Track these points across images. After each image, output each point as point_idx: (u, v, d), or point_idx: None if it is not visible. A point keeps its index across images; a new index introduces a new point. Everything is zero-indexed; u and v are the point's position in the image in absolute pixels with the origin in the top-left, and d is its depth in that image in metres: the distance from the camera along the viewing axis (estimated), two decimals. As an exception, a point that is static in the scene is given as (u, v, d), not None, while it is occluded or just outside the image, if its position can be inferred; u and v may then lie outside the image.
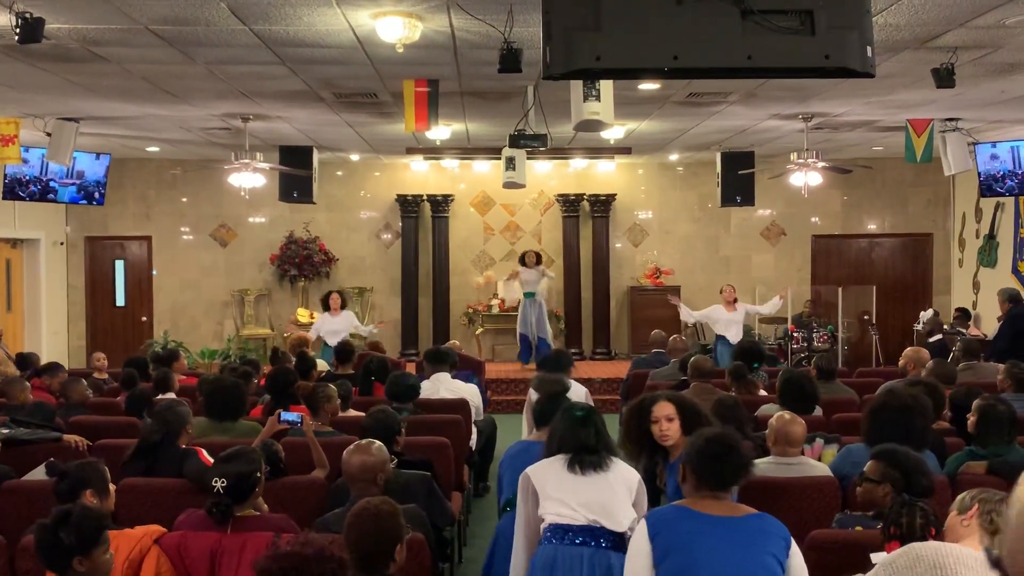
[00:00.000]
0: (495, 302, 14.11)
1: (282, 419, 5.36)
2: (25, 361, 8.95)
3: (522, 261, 12.61)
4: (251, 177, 10.61)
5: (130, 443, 5.23)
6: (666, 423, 4.14)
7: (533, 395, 6.47)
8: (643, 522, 3.10)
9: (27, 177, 10.98)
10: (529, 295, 12.49)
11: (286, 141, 11.41)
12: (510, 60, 6.16)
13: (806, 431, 4.75)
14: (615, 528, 3.60)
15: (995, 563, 1.02)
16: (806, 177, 10.54)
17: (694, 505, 3.11)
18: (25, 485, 4.70)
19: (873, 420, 4.61)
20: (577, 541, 3.59)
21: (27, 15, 5.61)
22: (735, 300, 11.50)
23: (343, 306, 11.23)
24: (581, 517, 3.62)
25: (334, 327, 10.87)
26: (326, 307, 11.20)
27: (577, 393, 6.00)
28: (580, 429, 3.79)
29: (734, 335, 10.97)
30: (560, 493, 3.67)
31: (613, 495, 3.68)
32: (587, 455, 3.72)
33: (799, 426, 4.65)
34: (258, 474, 3.75)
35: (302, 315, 13.88)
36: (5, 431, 5.48)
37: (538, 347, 12.51)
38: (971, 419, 4.88)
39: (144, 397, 6.60)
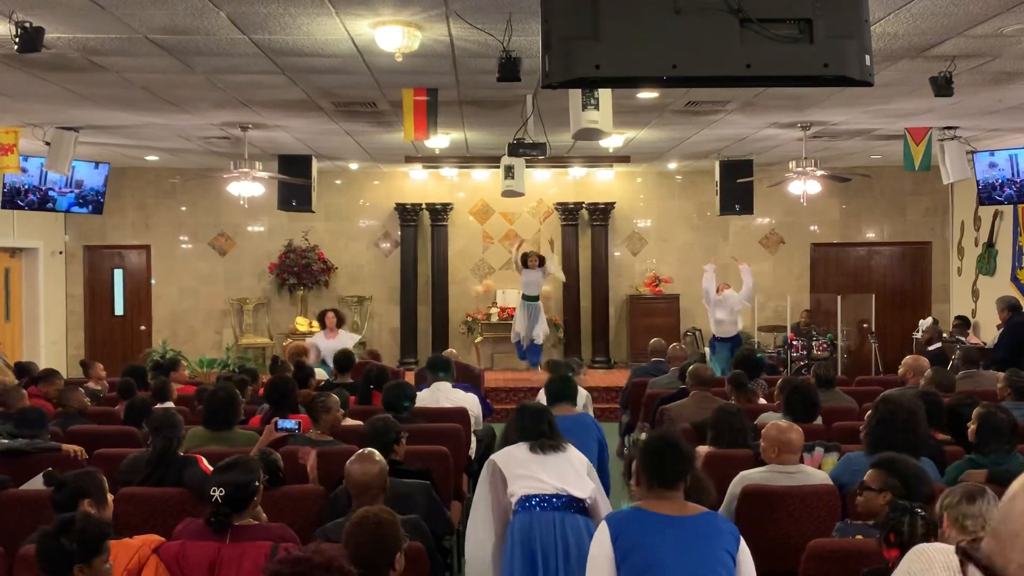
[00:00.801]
0: (494, 310, 14.11)
1: (279, 427, 5.37)
2: (23, 370, 8.93)
3: (524, 263, 12.26)
4: (250, 186, 10.61)
5: (127, 452, 5.22)
6: None
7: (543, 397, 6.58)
8: (603, 525, 3.23)
9: (26, 186, 10.99)
10: (529, 299, 12.21)
11: (285, 150, 11.41)
12: (509, 69, 6.17)
13: (803, 438, 4.75)
14: (579, 495, 4.19)
15: (978, 564, 0.96)
16: (805, 185, 10.55)
17: (649, 506, 3.25)
18: (23, 495, 4.68)
19: (872, 428, 4.61)
20: (546, 506, 4.17)
21: (27, 24, 5.62)
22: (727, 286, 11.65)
23: (339, 324, 10.85)
24: (550, 487, 4.20)
25: (331, 347, 10.23)
26: (322, 325, 10.87)
27: (581, 395, 6.11)
28: (539, 422, 4.42)
29: (726, 328, 11.20)
30: (528, 471, 4.25)
31: (574, 469, 4.30)
32: (547, 439, 4.34)
33: (796, 433, 4.64)
34: (256, 483, 3.74)
35: (301, 324, 13.88)
36: (4, 441, 5.46)
37: (528, 350, 12.39)
38: (971, 427, 4.87)
39: (143, 406, 6.58)
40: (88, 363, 9.65)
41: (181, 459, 4.82)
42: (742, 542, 3.26)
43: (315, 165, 11.27)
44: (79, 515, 3.24)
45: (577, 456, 4.37)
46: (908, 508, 3.20)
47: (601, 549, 3.16)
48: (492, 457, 4.39)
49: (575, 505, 4.16)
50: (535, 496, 4.18)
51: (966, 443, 5.01)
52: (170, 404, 6.88)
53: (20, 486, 4.87)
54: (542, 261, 12.33)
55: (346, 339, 10.68)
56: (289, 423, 5.41)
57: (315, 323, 11.68)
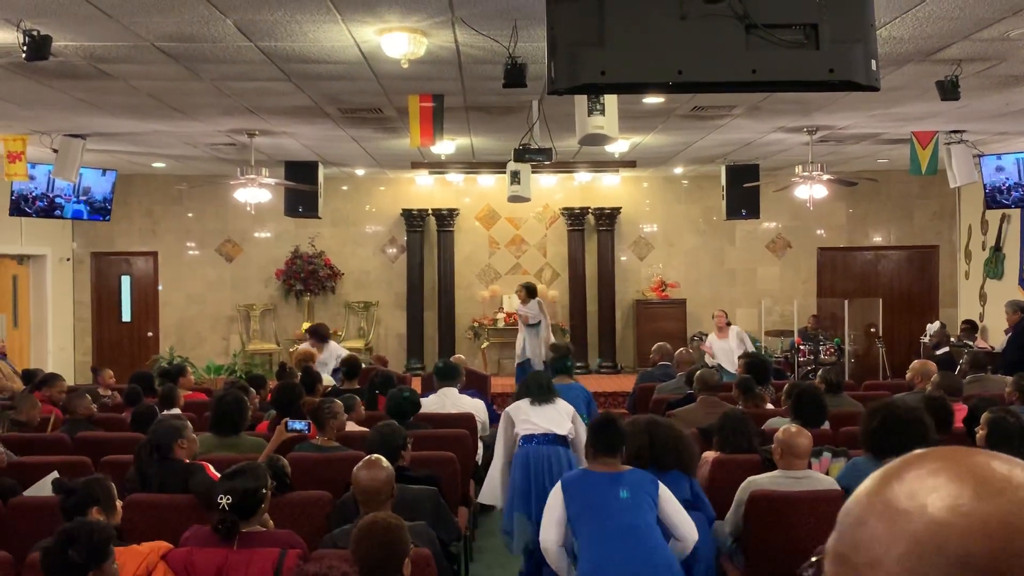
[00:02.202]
0: (500, 316, 14.10)
1: (289, 427, 5.39)
2: (28, 377, 8.96)
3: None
4: (257, 192, 10.63)
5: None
6: None
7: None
8: (558, 484, 4.27)
9: (33, 193, 11.03)
10: (529, 326, 11.70)
11: (292, 156, 11.44)
12: (515, 75, 6.18)
13: (812, 443, 4.73)
14: (561, 433, 5.99)
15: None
16: (811, 190, 10.54)
17: (591, 467, 4.27)
18: (31, 501, 4.69)
19: (868, 434, 4.57)
20: (536, 442, 5.91)
21: (34, 33, 5.65)
22: (728, 324, 11.41)
23: (323, 340, 10.65)
24: (540, 428, 5.97)
25: (322, 359, 10.24)
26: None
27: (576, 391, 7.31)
28: (538, 385, 6.21)
29: (731, 364, 10.86)
30: (528, 416, 6.03)
31: (559, 416, 6.07)
32: (543, 395, 6.11)
33: (805, 438, 4.63)
34: (264, 490, 3.74)
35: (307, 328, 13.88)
36: None
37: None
38: (980, 433, 4.85)
39: (151, 413, 6.59)
40: (98, 369, 9.70)
41: (186, 466, 4.83)
42: (661, 486, 4.18)
43: (321, 171, 11.29)
44: (83, 525, 3.24)
45: (564, 406, 6.18)
46: None
47: (555, 498, 4.20)
48: (507, 409, 6.21)
49: (558, 440, 5.96)
50: (530, 435, 5.96)
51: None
52: (177, 411, 6.88)
53: (24, 490, 4.88)
54: (531, 292, 11.69)
55: (334, 351, 10.56)
56: (299, 424, 5.44)
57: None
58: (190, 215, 14.51)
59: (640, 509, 4.03)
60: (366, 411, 7.06)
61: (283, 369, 9.33)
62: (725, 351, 11.17)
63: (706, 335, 14.24)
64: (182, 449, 4.93)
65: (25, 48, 5.65)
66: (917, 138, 9.79)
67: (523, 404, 6.11)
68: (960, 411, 6.02)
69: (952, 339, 11.76)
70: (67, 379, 11.28)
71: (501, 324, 14.01)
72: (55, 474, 4.96)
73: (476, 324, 14.31)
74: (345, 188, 14.55)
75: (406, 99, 7.86)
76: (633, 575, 3.91)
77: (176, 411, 6.83)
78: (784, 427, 4.78)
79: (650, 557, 3.94)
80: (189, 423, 5.21)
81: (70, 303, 14.28)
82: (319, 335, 10.59)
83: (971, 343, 11.39)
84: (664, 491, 4.15)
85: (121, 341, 14.60)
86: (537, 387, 6.17)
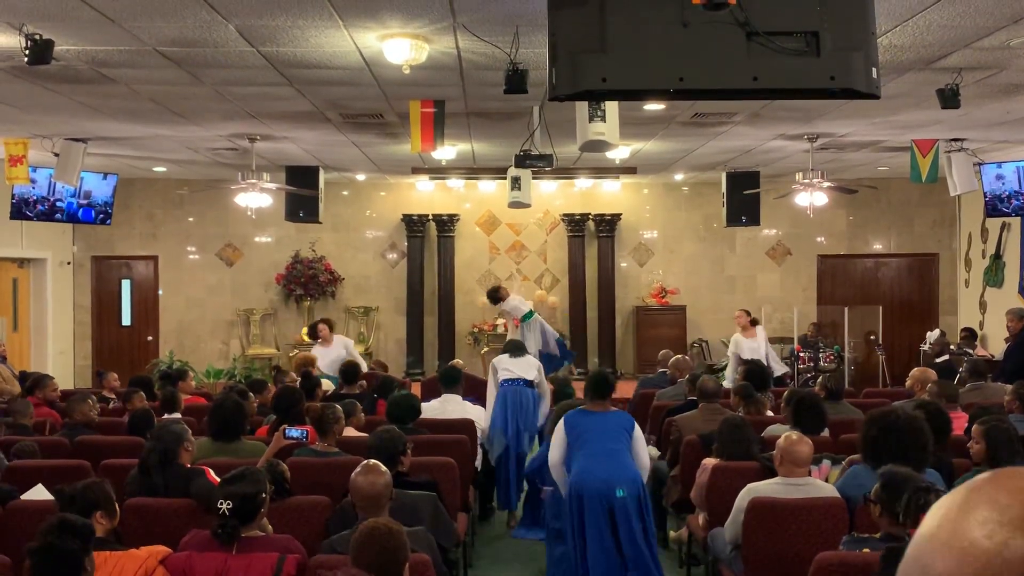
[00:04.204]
0: (500, 321, 14.09)
1: (287, 435, 5.38)
2: (24, 379, 8.95)
3: (495, 301, 11.25)
4: (257, 197, 10.64)
5: (134, 463, 5.22)
6: None
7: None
8: (562, 420, 5.63)
9: (34, 197, 11.03)
10: (523, 318, 11.00)
11: (292, 161, 11.45)
12: (516, 81, 6.19)
13: (813, 451, 4.72)
14: (529, 378, 8.12)
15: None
16: (811, 197, 10.55)
17: (587, 407, 5.66)
18: (29, 505, 4.68)
19: (865, 442, 4.57)
20: (512, 384, 8.01)
21: (36, 37, 5.66)
22: (752, 323, 10.97)
23: (331, 329, 10.61)
24: (515, 375, 8.08)
25: (330, 357, 9.97)
26: (314, 337, 10.66)
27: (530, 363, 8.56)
28: (518, 345, 8.54)
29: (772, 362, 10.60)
30: (507, 366, 8.18)
31: (529, 366, 8.26)
32: (518, 352, 8.37)
33: (806, 446, 4.62)
34: (263, 494, 3.74)
35: (306, 335, 13.88)
36: None
37: (561, 356, 11.22)
38: (976, 446, 4.81)
39: (147, 417, 6.58)
40: (103, 372, 9.73)
41: (188, 470, 4.82)
42: (636, 427, 5.61)
43: (322, 176, 11.30)
44: (68, 518, 3.28)
45: (532, 360, 8.51)
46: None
47: (559, 432, 5.59)
48: (493, 361, 8.34)
49: (527, 383, 8.06)
50: (508, 379, 8.05)
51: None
52: (177, 415, 6.87)
53: (21, 494, 4.87)
54: (493, 296, 11.17)
55: (341, 345, 10.42)
56: (297, 432, 5.43)
57: (307, 338, 11.29)
58: (191, 219, 14.52)
59: (616, 438, 5.50)
60: (365, 416, 7.06)
61: (278, 372, 9.32)
62: (754, 350, 10.46)
63: (706, 342, 14.26)
64: (187, 452, 4.94)
65: (27, 52, 5.66)
66: (917, 146, 9.80)
67: (504, 357, 8.35)
68: (959, 419, 6.01)
69: (952, 347, 11.75)
70: (68, 383, 11.31)
71: (501, 329, 14.00)
72: (40, 486, 4.95)
73: (476, 329, 14.31)
74: (346, 193, 14.56)
75: (407, 104, 7.87)
76: (605, 479, 5.32)
77: (176, 415, 6.82)
78: (785, 434, 4.77)
79: (619, 469, 5.39)
80: (187, 427, 5.21)
81: (70, 307, 14.27)
82: (332, 326, 10.66)
83: (971, 351, 11.38)
84: (638, 431, 5.62)
85: (121, 345, 14.60)
86: (514, 347, 8.55)
